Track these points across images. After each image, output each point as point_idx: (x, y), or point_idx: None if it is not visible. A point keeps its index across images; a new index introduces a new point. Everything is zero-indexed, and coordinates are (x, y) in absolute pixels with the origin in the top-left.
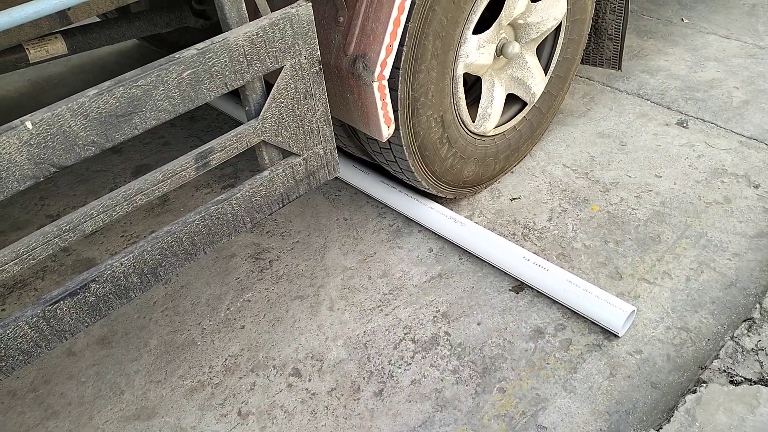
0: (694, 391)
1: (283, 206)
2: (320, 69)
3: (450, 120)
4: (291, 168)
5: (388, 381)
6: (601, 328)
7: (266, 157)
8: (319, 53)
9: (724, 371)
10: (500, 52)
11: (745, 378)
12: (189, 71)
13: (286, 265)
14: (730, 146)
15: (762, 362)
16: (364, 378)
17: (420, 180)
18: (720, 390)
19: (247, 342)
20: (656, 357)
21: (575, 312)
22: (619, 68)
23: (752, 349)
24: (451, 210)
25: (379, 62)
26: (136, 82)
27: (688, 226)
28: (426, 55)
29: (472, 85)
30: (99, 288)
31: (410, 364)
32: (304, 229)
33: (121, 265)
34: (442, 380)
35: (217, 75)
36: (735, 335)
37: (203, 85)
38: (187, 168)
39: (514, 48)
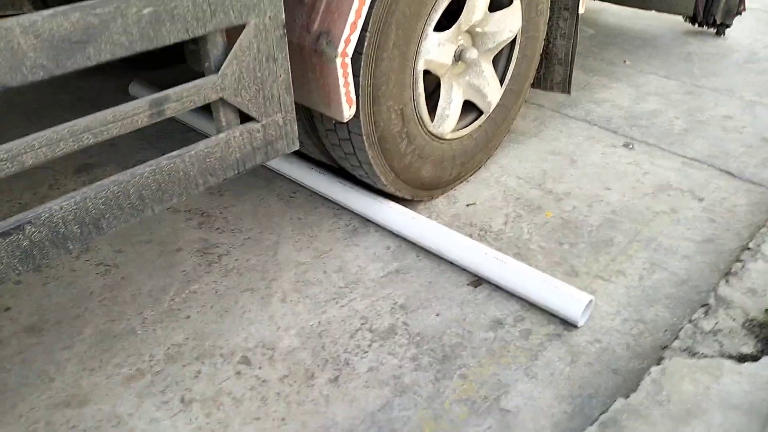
0: (659, 362)
1: (238, 173)
2: (284, 34)
3: (410, 115)
4: (249, 133)
5: (344, 368)
6: (560, 319)
7: (223, 119)
8: (284, 17)
9: (685, 350)
10: (459, 57)
11: (706, 354)
12: (150, 8)
13: (236, 260)
14: (673, 166)
15: (721, 342)
16: (318, 366)
17: (379, 175)
18: (683, 362)
19: (193, 331)
20: (615, 346)
21: (533, 305)
22: (569, 92)
23: (710, 330)
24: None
25: (343, 38)
26: (93, 10)
27: (638, 232)
28: (388, 43)
29: (431, 94)
30: (35, 232)
31: (367, 352)
32: (255, 227)
33: (61, 209)
34: (400, 367)
35: (178, 18)
36: (693, 319)
37: (163, 26)
38: (140, 113)
39: (472, 54)
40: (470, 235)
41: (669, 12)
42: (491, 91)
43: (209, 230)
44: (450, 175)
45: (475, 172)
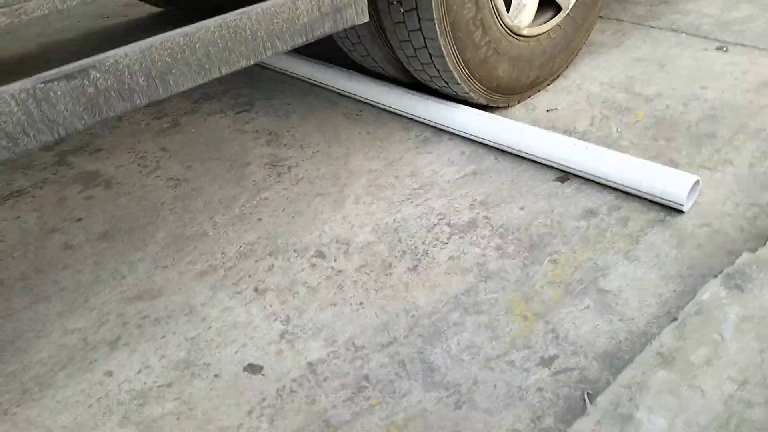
0: None
1: (306, 40)
2: None
3: (483, 0)
4: None
5: (423, 258)
6: (661, 206)
7: None
8: None
9: None
10: None
11: None
12: None
13: (306, 170)
14: None
15: None
16: (396, 257)
17: (452, 69)
18: None
19: (265, 232)
20: (728, 229)
21: (630, 195)
22: None
23: None
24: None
25: None
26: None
27: (744, 124)
28: None
29: None
30: (100, 78)
31: (447, 243)
32: (323, 142)
33: (126, 57)
34: (484, 255)
35: None
36: None
37: None
38: None
39: None
40: None
41: None
42: None
43: (278, 147)
44: (528, 77)
45: (554, 79)
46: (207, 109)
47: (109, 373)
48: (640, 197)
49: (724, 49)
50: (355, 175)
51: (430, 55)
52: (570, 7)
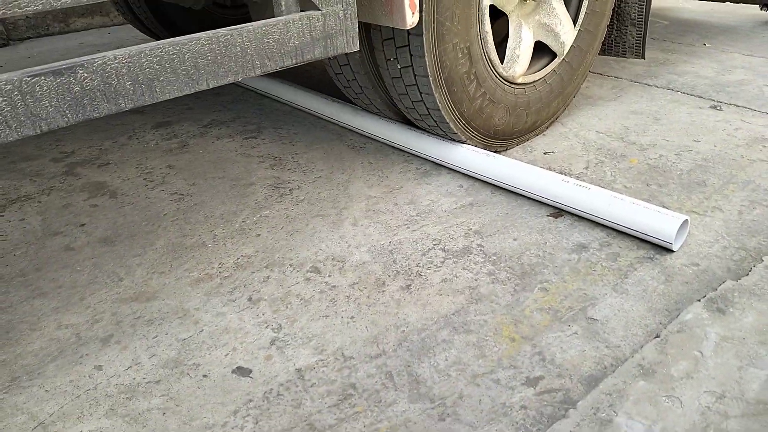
0: None
1: (296, 63)
2: None
3: (477, 55)
4: (309, 21)
5: (416, 279)
6: (651, 245)
7: (283, 2)
8: None
9: None
10: None
11: None
12: None
13: (307, 193)
14: (767, 123)
15: None
16: (389, 276)
17: (448, 121)
18: None
19: (263, 246)
20: (716, 269)
21: (620, 233)
22: (643, 56)
23: None
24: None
25: None
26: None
27: (733, 176)
28: None
29: (501, 42)
30: (87, 78)
31: (440, 267)
32: (326, 168)
33: (115, 59)
34: (476, 280)
35: None
36: None
37: None
38: None
39: None
40: None
41: (743, 1)
42: (564, 31)
43: (281, 170)
44: (525, 122)
45: (552, 123)
46: (216, 133)
47: (99, 368)
48: (630, 235)
49: (718, 107)
50: (354, 199)
51: (426, 108)
52: (565, 52)
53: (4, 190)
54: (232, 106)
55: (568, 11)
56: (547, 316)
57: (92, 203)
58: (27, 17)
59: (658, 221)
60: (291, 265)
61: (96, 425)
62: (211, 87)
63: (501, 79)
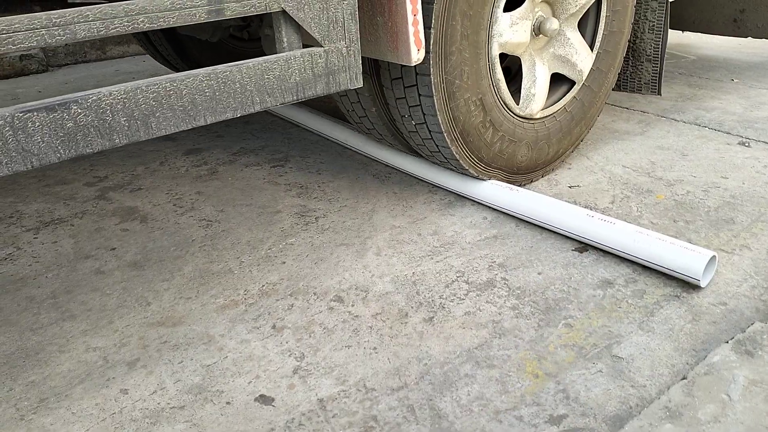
0: None
1: (297, 99)
2: None
3: (491, 103)
4: (310, 57)
5: (439, 311)
6: (678, 282)
7: (285, 38)
8: None
9: None
10: (538, 30)
11: None
12: None
13: (333, 221)
14: None
15: None
16: (412, 307)
17: (467, 167)
18: None
19: (287, 274)
20: (744, 309)
21: (647, 268)
22: (659, 93)
23: None
24: None
25: None
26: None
27: (762, 214)
28: (455, 36)
29: (515, 74)
30: (80, 114)
31: (463, 300)
32: (351, 197)
33: (110, 95)
34: (499, 314)
35: None
36: None
37: None
38: (199, 6)
39: (553, 24)
40: None
41: (766, 36)
42: (581, 59)
43: (307, 198)
44: (548, 154)
45: (576, 147)
46: (244, 161)
47: (125, 391)
48: (657, 272)
49: (747, 144)
50: (378, 229)
51: (445, 157)
52: (584, 79)
53: (39, 213)
54: (260, 134)
55: (583, 36)
56: (571, 353)
57: (123, 227)
58: (66, 45)
59: (685, 257)
60: (315, 294)
61: None
62: (209, 123)
63: (519, 118)
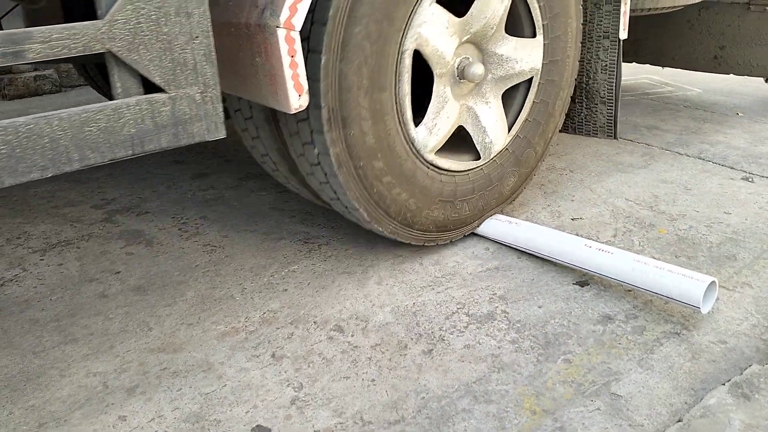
0: None
1: (134, 154)
2: None
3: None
4: (150, 105)
5: (439, 343)
6: (678, 318)
7: (119, 84)
8: None
9: None
10: (462, 74)
11: None
12: None
13: (335, 249)
14: None
15: None
16: (411, 339)
17: (359, 208)
18: None
19: (289, 301)
20: (744, 348)
21: (647, 303)
22: (615, 137)
23: None
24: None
25: (287, 5)
26: None
27: (765, 250)
28: (350, 78)
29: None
30: None
31: (463, 332)
32: (354, 225)
33: None
34: (499, 348)
35: None
36: None
37: None
38: None
39: (478, 69)
40: None
41: (748, 74)
42: (493, 130)
43: (311, 225)
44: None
45: (510, 203)
46: (251, 186)
47: (123, 418)
48: (657, 308)
49: (750, 179)
50: (381, 257)
51: (335, 193)
52: (491, 156)
53: (46, 234)
54: None
55: (504, 112)
56: (569, 390)
57: (128, 251)
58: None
59: (684, 284)
60: (315, 323)
61: None
62: (7, 185)
63: (433, 168)
